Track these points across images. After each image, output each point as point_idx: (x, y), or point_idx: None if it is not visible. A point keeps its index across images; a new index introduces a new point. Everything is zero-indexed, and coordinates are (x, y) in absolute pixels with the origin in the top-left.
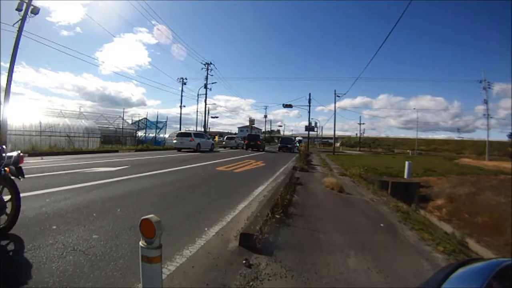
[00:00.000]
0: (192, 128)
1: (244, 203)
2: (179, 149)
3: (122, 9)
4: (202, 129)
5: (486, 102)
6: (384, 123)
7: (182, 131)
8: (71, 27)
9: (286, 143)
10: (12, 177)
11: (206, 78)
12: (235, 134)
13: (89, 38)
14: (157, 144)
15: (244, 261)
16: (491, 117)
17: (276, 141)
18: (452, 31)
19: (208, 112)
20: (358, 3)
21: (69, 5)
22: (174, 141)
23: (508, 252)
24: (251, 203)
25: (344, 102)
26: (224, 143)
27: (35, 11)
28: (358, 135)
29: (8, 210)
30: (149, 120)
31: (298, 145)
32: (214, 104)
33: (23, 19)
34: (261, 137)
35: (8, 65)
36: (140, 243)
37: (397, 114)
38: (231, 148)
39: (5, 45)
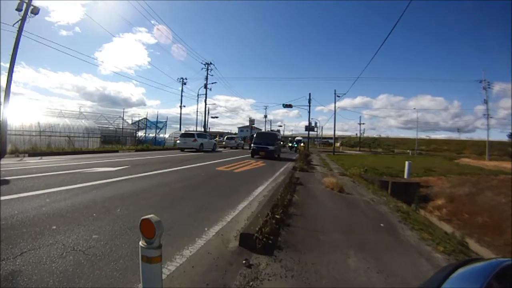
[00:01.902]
0: (192, 128)
1: (244, 203)
2: (182, 149)
3: (121, 9)
4: (202, 129)
5: (486, 102)
6: (384, 123)
7: (185, 131)
8: (70, 27)
9: (265, 143)
10: None
11: (206, 78)
12: (235, 134)
13: (88, 38)
14: (157, 144)
15: (244, 261)
16: (491, 117)
17: None
18: (452, 30)
19: (208, 112)
20: (358, 3)
21: (68, 5)
22: (178, 142)
23: (508, 252)
24: (251, 203)
25: (344, 102)
26: (224, 143)
27: (35, 11)
28: (358, 135)
29: None
30: (149, 120)
31: (296, 145)
32: (214, 104)
33: (23, 19)
34: None
35: (8, 65)
36: (140, 243)
37: (397, 114)
38: (231, 148)
39: (5, 45)
